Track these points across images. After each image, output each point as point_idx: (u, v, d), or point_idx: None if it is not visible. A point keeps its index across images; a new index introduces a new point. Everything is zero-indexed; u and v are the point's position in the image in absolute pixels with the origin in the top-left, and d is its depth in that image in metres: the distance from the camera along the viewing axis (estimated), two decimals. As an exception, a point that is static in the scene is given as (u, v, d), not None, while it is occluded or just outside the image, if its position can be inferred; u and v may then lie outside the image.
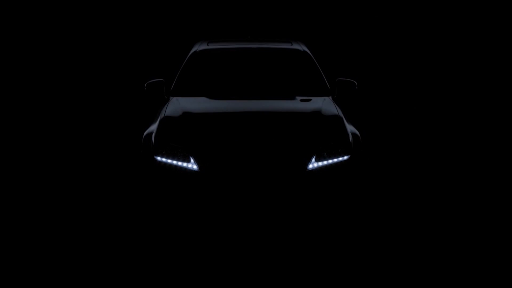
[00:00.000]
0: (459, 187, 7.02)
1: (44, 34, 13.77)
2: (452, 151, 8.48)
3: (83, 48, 13.74)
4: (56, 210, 6.26)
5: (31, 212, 6.20)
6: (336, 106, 6.46)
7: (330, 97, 6.77)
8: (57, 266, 4.94)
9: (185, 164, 5.72)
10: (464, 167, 7.77)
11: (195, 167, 5.69)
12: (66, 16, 13.84)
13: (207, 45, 7.42)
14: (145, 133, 6.09)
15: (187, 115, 6.12)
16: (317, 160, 5.73)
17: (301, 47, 7.38)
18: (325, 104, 6.40)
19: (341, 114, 6.20)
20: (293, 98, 6.61)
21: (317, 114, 6.13)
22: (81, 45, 13.77)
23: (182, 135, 5.86)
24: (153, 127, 6.08)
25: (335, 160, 5.78)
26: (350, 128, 6.09)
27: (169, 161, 5.76)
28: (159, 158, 5.79)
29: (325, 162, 5.75)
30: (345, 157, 5.81)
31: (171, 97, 6.75)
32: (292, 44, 7.48)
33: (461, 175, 7.47)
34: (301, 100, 6.54)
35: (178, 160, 5.75)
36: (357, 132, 6.09)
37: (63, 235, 5.60)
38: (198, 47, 7.40)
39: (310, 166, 5.70)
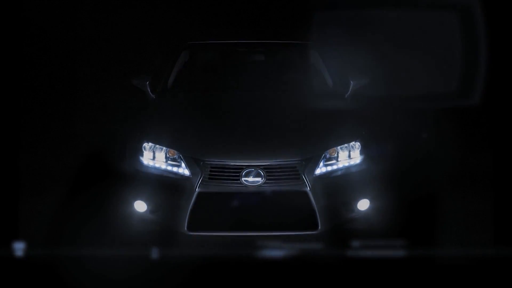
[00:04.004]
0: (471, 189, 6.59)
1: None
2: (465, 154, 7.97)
3: (69, 43, 13.45)
4: (37, 216, 5.92)
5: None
6: (348, 104, 5.96)
7: (342, 95, 6.18)
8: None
9: (174, 169, 5.17)
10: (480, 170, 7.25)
11: (186, 172, 5.12)
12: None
13: (200, 38, 6.96)
14: (131, 134, 5.57)
15: (177, 115, 5.66)
16: (325, 164, 5.18)
17: (310, 42, 6.88)
18: (335, 103, 5.91)
19: (353, 114, 5.72)
20: (299, 96, 6.07)
21: (326, 113, 5.61)
22: (67, 40, 13.46)
23: (172, 136, 5.33)
24: (140, 128, 5.56)
25: (346, 164, 5.25)
26: (363, 128, 5.57)
27: (157, 165, 5.23)
28: (145, 162, 5.27)
29: (334, 167, 5.21)
30: (358, 161, 5.30)
31: (159, 95, 6.21)
32: (298, 39, 6.95)
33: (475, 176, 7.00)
34: (309, 98, 6.00)
35: (167, 164, 5.21)
36: (371, 133, 5.57)
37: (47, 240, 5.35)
38: (190, 41, 6.87)
39: (318, 170, 5.13)
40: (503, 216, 6.01)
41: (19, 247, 4.93)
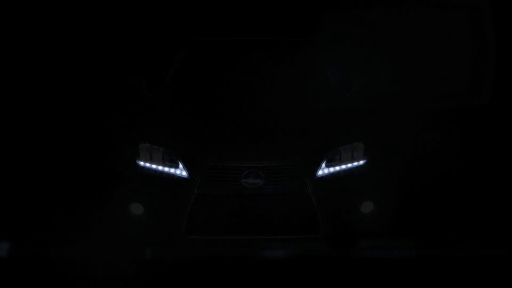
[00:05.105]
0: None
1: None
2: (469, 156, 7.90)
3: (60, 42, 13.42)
4: (31, 218, 5.87)
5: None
6: (351, 104, 5.81)
7: (344, 94, 6.05)
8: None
9: (172, 170, 5.04)
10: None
11: (184, 173, 5.00)
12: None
13: (201, 35, 6.86)
14: (126, 134, 5.46)
15: (175, 114, 5.52)
16: (328, 165, 5.04)
17: (311, 40, 6.75)
18: (338, 102, 5.78)
19: (356, 113, 5.58)
20: (300, 95, 5.92)
21: (328, 112, 5.49)
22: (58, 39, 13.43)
23: (169, 136, 5.21)
24: (136, 128, 5.45)
25: (349, 165, 5.11)
26: (366, 128, 5.43)
27: (154, 166, 5.10)
28: (142, 163, 5.14)
29: (337, 168, 5.07)
30: (361, 162, 5.16)
31: (156, 94, 6.07)
32: (300, 37, 6.83)
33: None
34: (310, 98, 5.85)
35: (164, 165, 5.08)
36: (375, 133, 5.43)
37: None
38: (190, 38, 6.74)
39: (320, 172, 5.00)
40: (509, 216, 5.93)
41: (2, 247, 4.88)
